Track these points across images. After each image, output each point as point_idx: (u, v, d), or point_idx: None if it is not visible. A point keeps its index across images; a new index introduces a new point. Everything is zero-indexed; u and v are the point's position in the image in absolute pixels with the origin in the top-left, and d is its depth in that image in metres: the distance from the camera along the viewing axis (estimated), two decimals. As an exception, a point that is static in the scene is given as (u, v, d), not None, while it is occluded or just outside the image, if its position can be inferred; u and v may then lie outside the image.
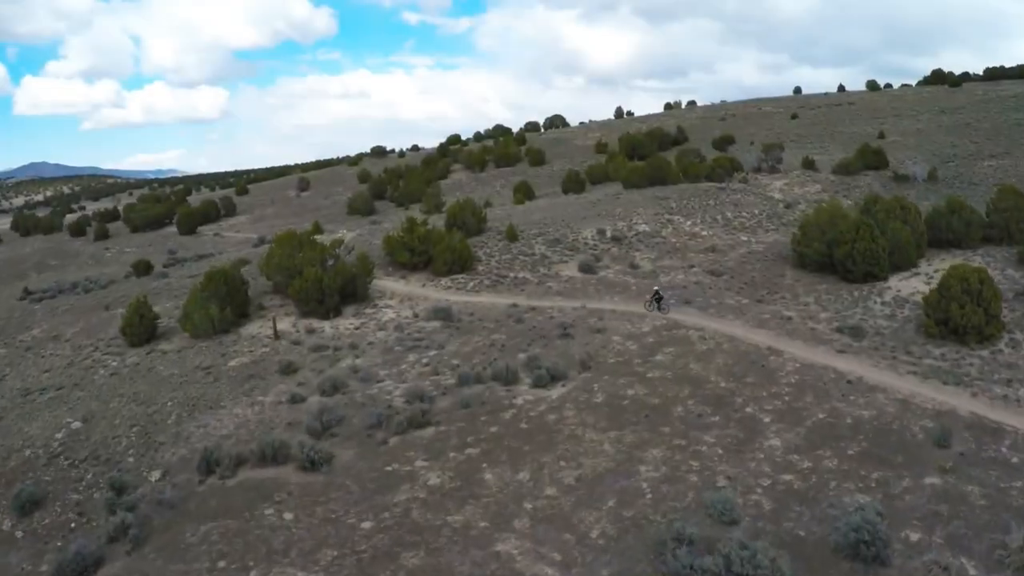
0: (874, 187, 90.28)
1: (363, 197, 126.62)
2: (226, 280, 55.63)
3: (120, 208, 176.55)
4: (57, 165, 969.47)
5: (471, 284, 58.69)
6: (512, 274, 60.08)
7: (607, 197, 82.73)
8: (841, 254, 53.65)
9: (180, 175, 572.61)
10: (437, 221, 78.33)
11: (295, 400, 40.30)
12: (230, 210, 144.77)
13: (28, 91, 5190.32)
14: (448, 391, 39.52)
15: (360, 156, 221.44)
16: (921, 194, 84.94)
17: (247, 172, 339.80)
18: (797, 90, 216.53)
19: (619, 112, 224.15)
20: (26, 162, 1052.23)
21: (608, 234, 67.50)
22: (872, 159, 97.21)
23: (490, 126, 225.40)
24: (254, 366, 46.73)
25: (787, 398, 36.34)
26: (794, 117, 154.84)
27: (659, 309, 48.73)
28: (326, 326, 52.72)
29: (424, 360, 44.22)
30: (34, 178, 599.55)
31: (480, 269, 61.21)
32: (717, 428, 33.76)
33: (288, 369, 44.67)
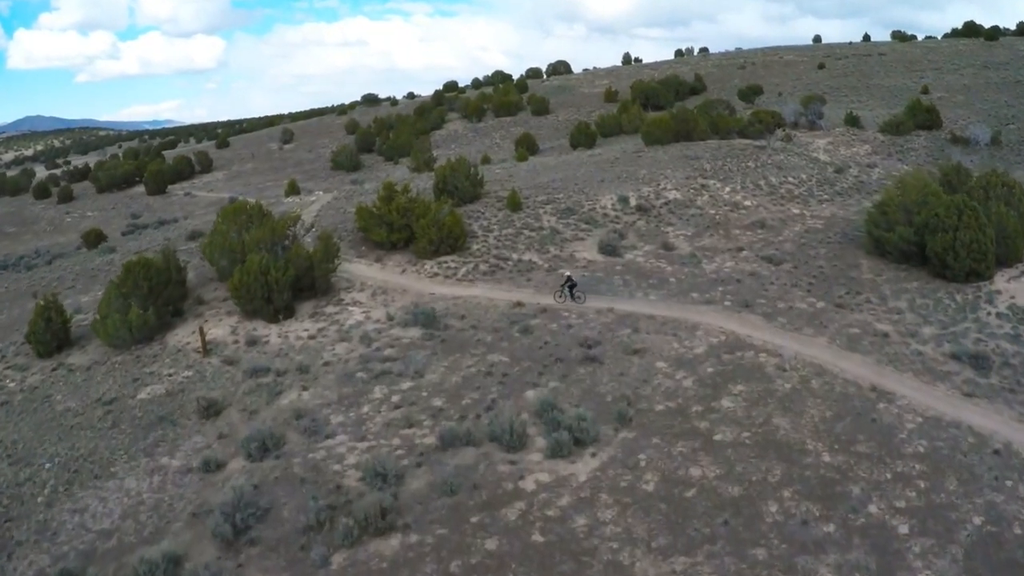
0: (931, 151, 77.52)
1: (347, 151, 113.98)
2: (148, 273, 43.29)
3: (98, 163, 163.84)
4: (53, 118, 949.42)
5: (463, 270, 46.32)
6: (515, 256, 47.64)
7: (626, 155, 69.79)
8: (938, 245, 40.98)
9: (177, 125, 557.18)
10: (426, 182, 65.81)
11: (209, 467, 28.39)
12: (206, 166, 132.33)
13: (21, 44, 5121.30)
14: (425, 457, 27.30)
15: (354, 104, 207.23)
16: (985, 160, 72.28)
17: (241, 122, 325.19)
18: (817, 39, 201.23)
19: (627, 58, 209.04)
20: (21, 116, 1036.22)
21: (632, 202, 54.92)
22: (924, 117, 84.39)
23: (489, 74, 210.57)
24: (169, 400, 34.87)
25: (922, 484, 24.36)
26: (821, 67, 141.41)
27: (572, 299, 40.70)
28: (273, 333, 40.54)
29: (395, 398, 32.04)
30: (26, 132, 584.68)
31: (475, 249, 48.79)
32: (835, 548, 21.67)
33: (210, 410, 32.78)
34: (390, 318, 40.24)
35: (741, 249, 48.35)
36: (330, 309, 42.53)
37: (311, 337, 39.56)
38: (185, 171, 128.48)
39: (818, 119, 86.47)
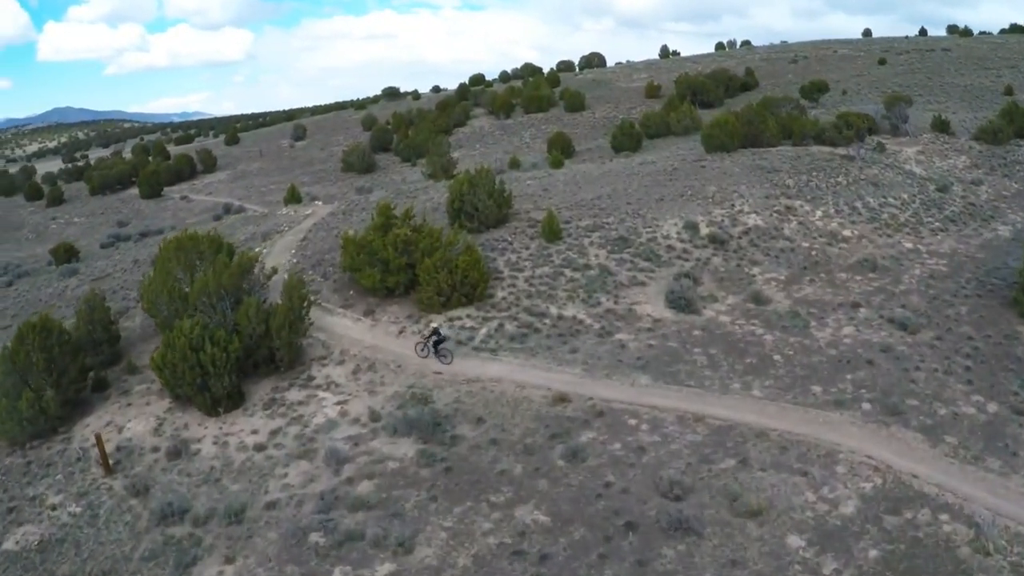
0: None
1: (359, 150, 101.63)
2: (46, 342, 31.27)
3: (97, 161, 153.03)
4: (81, 110, 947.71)
5: (482, 332, 33.84)
6: (554, 309, 35.10)
7: (686, 164, 56.73)
8: None
9: (204, 118, 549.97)
10: (441, 194, 53.43)
11: None
12: (209, 166, 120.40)
13: (51, 37, 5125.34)
14: None
15: (377, 98, 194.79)
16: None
17: (264, 115, 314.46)
18: (867, 32, 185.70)
19: (664, 51, 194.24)
20: (50, 107, 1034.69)
21: (703, 229, 42.16)
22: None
23: (518, 67, 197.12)
24: (37, 562, 22.63)
25: None
26: (882, 63, 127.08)
27: (436, 355, 32.30)
28: (208, 436, 28.43)
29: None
30: (51, 124, 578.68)
31: (500, 298, 36.29)
32: None
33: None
34: (374, 418, 27.82)
35: (857, 305, 35.60)
36: (293, 395, 30.24)
37: (259, 448, 27.27)
38: (185, 171, 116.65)
39: (903, 123, 72.78)
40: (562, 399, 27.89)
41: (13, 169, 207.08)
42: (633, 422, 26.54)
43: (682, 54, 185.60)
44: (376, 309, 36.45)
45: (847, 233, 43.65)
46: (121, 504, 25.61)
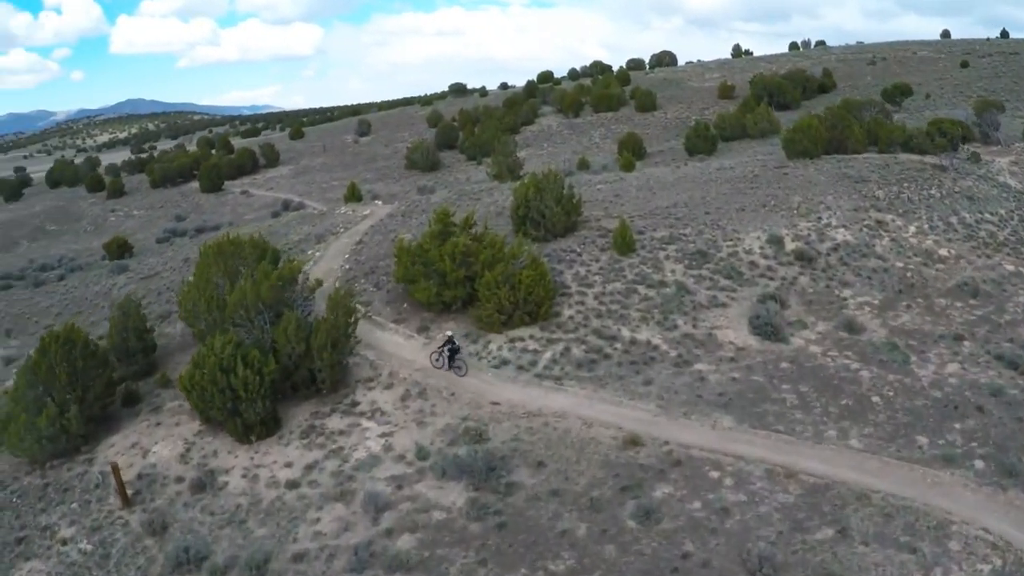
0: None
1: (423, 148, 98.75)
2: (69, 355, 28.70)
3: (161, 154, 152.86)
4: (153, 102, 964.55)
5: (547, 356, 30.44)
6: (626, 332, 31.60)
7: (767, 170, 52.59)
8: None
9: (274, 111, 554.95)
10: (506, 197, 50.22)
11: None
12: (272, 160, 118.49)
13: (123, 30, 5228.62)
14: None
15: (444, 94, 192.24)
16: None
17: (332, 110, 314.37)
18: (945, 33, 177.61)
19: (737, 50, 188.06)
20: (123, 99, 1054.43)
21: (788, 244, 38.26)
22: (1124, 134, 64.33)
23: (587, 65, 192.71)
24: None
25: None
26: (964, 65, 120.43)
27: (451, 367, 30.11)
28: (237, 467, 25.54)
29: None
30: (122, 115, 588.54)
31: (566, 317, 32.86)
32: None
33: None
34: (422, 455, 24.60)
35: (960, 337, 31.59)
36: (334, 423, 27.20)
37: (292, 484, 24.28)
38: (247, 165, 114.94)
39: (995, 131, 67.53)
40: (634, 442, 24.38)
41: (83, 159, 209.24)
42: (715, 475, 22.93)
43: (754, 54, 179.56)
44: (431, 326, 33.24)
45: (943, 252, 39.48)
46: (136, 544, 22.84)
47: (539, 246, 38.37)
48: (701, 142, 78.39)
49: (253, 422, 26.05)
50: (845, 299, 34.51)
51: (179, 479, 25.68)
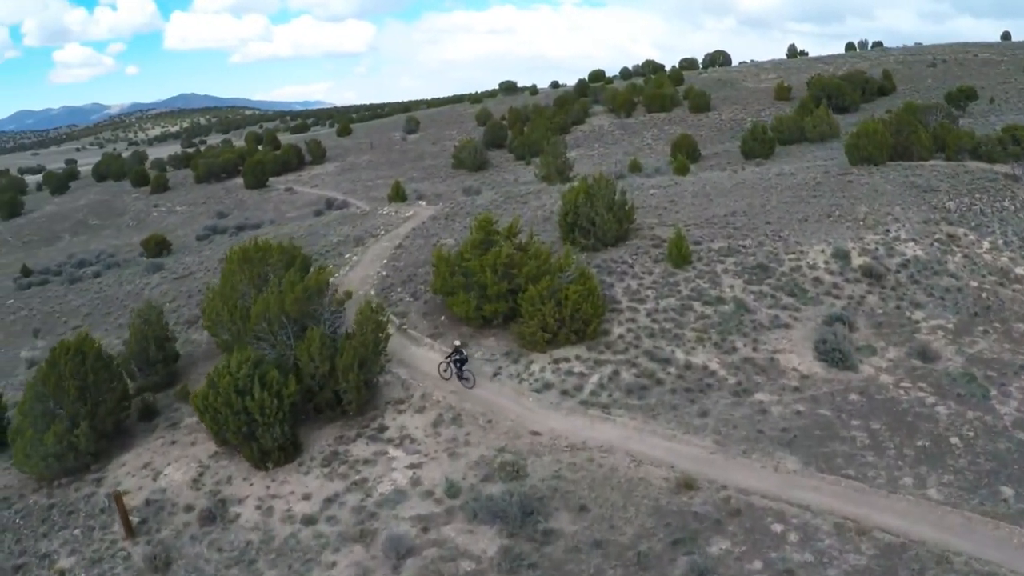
0: None
1: (471, 146, 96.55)
2: (79, 368, 26.72)
3: (207, 149, 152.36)
4: (206, 96, 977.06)
5: (593, 380, 27.85)
6: (680, 354, 28.93)
7: (829, 177, 49.42)
8: None
9: (325, 107, 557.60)
10: (554, 200, 47.78)
11: None
12: (318, 157, 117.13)
13: (177, 26, 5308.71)
14: None
15: (494, 92, 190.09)
16: None
17: (383, 106, 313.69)
18: (1006, 36, 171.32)
19: (792, 51, 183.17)
20: (176, 93, 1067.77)
21: (855, 260, 35.26)
22: None
23: (639, 64, 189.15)
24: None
25: None
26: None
27: (460, 378, 28.45)
28: (251, 497, 23.33)
29: None
30: (174, 109, 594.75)
31: (616, 336, 30.23)
32: None
33: None
34: (452, 492, 22.13)
35: (1052, 369, 28.39)
36: (359, 449, 24.86)
37: (308, 520, 21.97)
38: (292, 162, 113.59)
39: (1055, 137, 63.26)
40: (688, 485, 21.71)
41: (131, 153, 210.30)
42: (778, 528, 20.19)
43: (809, 55, 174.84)
44: (469, 342, 30.77)
45: (1020, 271, 36.23)
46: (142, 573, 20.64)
47: (588, 256, 35.83)
48: (758, 145, 75.29)
49: (270, 448, 23.81)
50: (917, 322, 31.47)
51: (188, 508, 23.52)
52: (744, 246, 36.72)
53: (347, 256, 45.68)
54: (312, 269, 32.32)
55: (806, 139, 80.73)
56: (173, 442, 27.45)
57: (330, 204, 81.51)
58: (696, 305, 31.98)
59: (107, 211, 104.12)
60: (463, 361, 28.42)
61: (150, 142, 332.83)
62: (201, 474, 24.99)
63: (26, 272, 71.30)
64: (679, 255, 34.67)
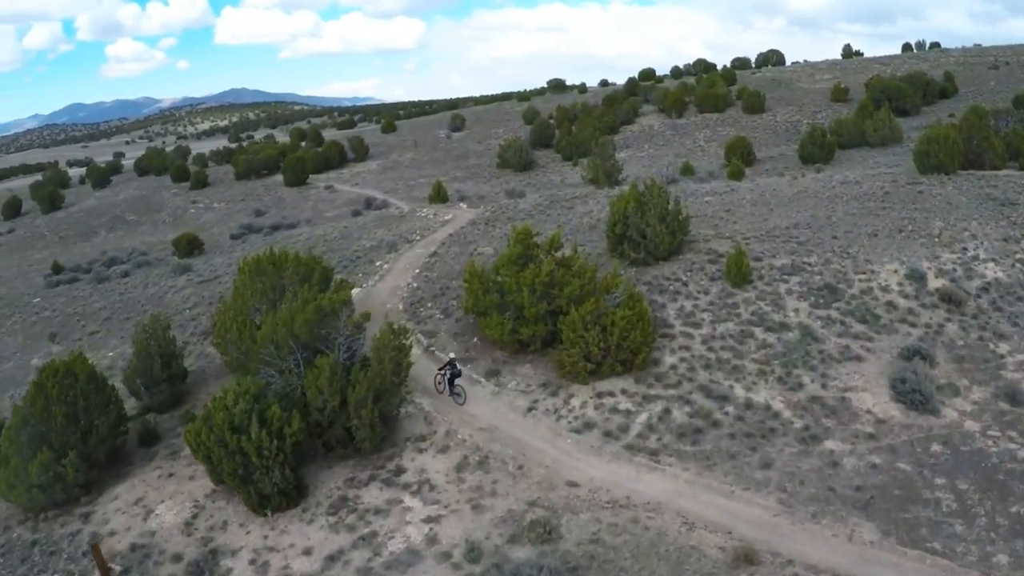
0: None
1: (517, 146, 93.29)
2: (68, 392, 23.99)
3: (250, 144, 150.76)
4: (256, 91, 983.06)
5: (640, 420, 24.60)
6: (738, 390, 25.64)
7: (898, 187, 45.49)
8: None
9: (374, 103, 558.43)
10: (602, 207, 44.66)
11: None
12: (360, 154, 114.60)
13: (228, 21, 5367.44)
14: None
15: (542, 90, 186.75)
16: None
17: (431, 103, 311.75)
18: None
19: (847, 51, 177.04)
20: (226, 88, 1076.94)
21: (930, 281, 31.53)
22: None
23: (690, 63, 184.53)
24: None
25: None
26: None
27: (451, 392, 26.42)
28: (247, 548, 20.49)
29: None
30: (224, 104, 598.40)
31: (667, 366, 26.91)
32: None
33: None
34: (473, 556, 18.97)
35: None
36: (371, 496, 21.80)
37: (306, 583, 18.81)
38: (334, 159, 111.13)
39: None
40: (748, 559, 18.36)
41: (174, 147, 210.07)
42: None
43: (864, 55, 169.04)
44: (503, 369, 27.60)
45: (1117, 296, 32.24)
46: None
47: (637, 271, 32.56)
48: (817, 149, 71.26)
49: (269, 492, 20.78)
50: (1002, 356, 27.71)
51: (177, 557, 20.64)
52: (809, 264, 33.16)
53: (378, 264, 42.78)
54: (333, 283, 29.36)
55: (867, 143, 76.60)
56: (171, 474, 24.69)
57: (369, 204, 78.87)
58: (757, 331, 28.54)
59: (145, 206, 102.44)
60: (456, 375, 26.43)
61: (198, 136, 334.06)
62: (195, 516, 22.12)
63: (57, 269, 69.57)
64: (739, 273, 31.23)
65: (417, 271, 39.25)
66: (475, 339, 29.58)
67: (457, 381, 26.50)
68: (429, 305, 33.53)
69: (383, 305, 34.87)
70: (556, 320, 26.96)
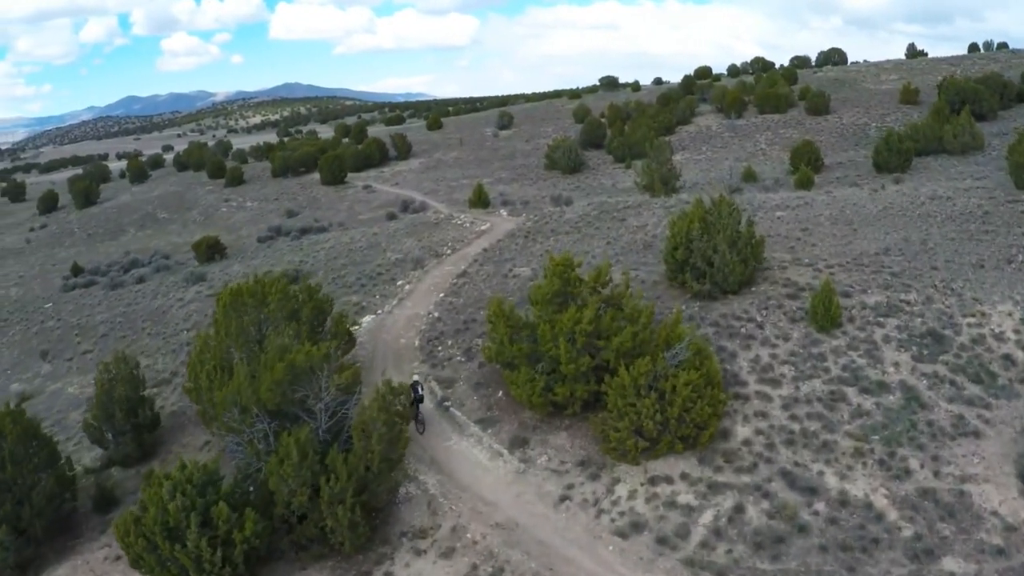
0: None
1: (566, 146, 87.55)
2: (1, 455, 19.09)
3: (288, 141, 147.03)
4: (309, 86, 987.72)
5: (706, 519, 18.96)
6: (831, 477, 20.04)
7: (998, 205, 39.13)
8: None
9: (425, 99, 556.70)
10: (659, 218, 39.27)
11: None
12: (403, 152, 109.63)
13: (282, 16, 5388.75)
14: None
15: (594, 88, 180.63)
16: None
17: (483, 100, 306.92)
18: None
19: (911, 51, 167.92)
20: (280, 83, 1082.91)
21: (1058, 327, 25.48)
22: None
23: (747, 61, 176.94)
24: None
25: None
26: None
27: (415, 418, 22.59)
28: None
29: None
30: (277, 98, 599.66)
31: (739, 440, 21.22)
32: None
33: None
34: None
35: None
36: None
37: None
38: (375, 157, 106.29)
39: None
40: None
41: (235, 140, 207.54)
42: None
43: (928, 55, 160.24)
44: (531, 438, 22.01)
45: None
46: None
47: (701, 306, 26.93)
48: (893, 156, 64.56)
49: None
50: None
51: None
52: (907, 303, 27.21)
53: (399, 283, 37.56)
54: (330, 319, 24.06)
55: (944, 150, 69.88)
56: (118, 557, 19.56)
57: (406, 206, 73.67)
58: (850, 393, 22.74)
59: (177, 204, 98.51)
60: (418, 400, 23.14)
61: (248, 130, 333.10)
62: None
63: (76, 271, 65.69)
64: (827, 316, 25.43)
65: (441, 296, 33.93)
66: (500, 393, 24.07)
67: (421, 407, 23.27)
68: (449, 343, 28.09)
69: (396, 340, 29.53)
70: (601, 378, 21.35)
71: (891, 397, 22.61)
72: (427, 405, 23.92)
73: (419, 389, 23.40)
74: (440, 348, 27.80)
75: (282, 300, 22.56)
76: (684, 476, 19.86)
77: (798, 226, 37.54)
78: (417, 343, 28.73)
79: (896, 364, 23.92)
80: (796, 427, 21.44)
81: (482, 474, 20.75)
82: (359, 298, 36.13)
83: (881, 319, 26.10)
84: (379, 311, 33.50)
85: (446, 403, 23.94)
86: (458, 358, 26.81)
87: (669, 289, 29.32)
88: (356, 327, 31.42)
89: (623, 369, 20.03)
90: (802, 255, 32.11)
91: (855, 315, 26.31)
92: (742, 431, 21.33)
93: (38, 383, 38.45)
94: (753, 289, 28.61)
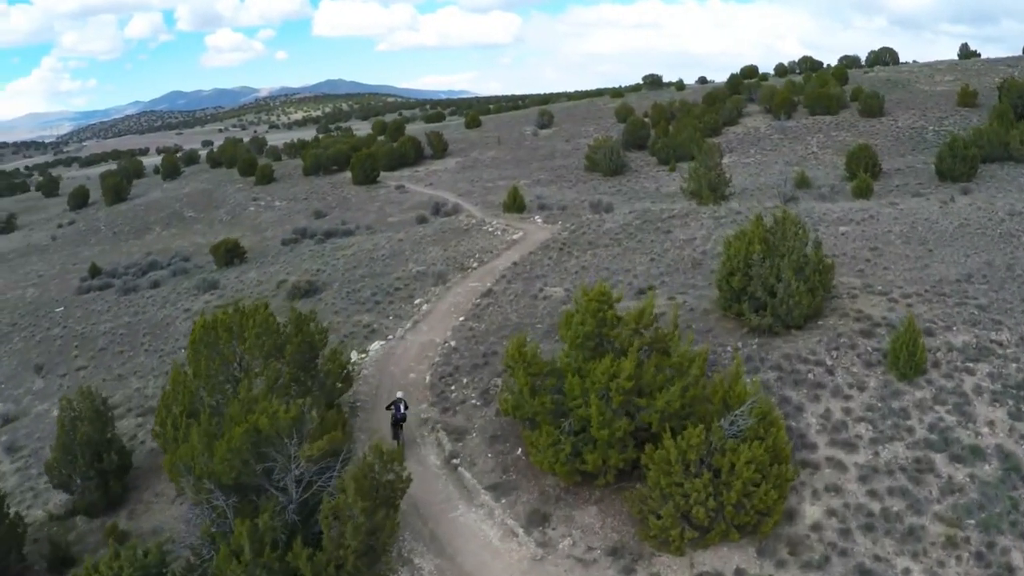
0: None
1: (607, 147, 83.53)
2: None
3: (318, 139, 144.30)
4: (352, 83, 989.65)
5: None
6: (917, 575, 15.58)
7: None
8: None
9: (468, 96, 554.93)
10: (708, 230, 35.40)
11: None
12: (439, 151, 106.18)
13: (326, 13, 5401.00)
14: None
15: (638, 87, 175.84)
16: None
17: (525, 98, 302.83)
18: None
19: (964, 51, 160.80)
20: (323, 79, 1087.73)
21: None
22: None
23: (795, 60, 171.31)
24: None
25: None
26: None
27: (395, 437, 21.24)
28: None
29: None
30: (319, 94, 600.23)
31: (807, 525, 17.16)
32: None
33: None
34: None
35: None
36: None
37: None
38: (410, 156, 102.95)
39: None
40: None
41: (275, 136, 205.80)
42: None
43: (954, 57, 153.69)
44: (553, 513, 18.14)
45: None
46: None
47: (760, 343, 22.96)
48: (958, 163, 59.98)
49: None
50: None
51: None
52: (999, 343, 23.01)
53: (417, 302, 33.92)
54: (322, 355, 20.38)
55: (1011, 157, 65.33)
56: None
57: (438, 209, 70.08)
58: (939, 461, 18.72)
59: (205, 202, 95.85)
60: (400, 420, 21.45)
61: (290, 126, 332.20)
62: None
63: (94, 272, 63.18)
64: (911, 362, 21.28)
65: (461, 319, 30.17)
66: (519, 451, 20.22)
67: (403, 426, 21.49)
68: (464, 381, 24.27)
69: (405, 374, 25.83)
70: (641, 442, 17.45)
71: (987, 467, 18.56)
72: (433, 461, 20.26)
73: (402, 408, 21.49)
74: (453, 388, 24.00)
75: (264, 333, 18.87)
76: (739, 573, 15.91)
77: (866, 244, 33.41)
78: (428, 379, 24.99)
79: (991, 423, 19.83)
80: (876, 507, 17.43)
81: (491, 559, 16.92)
82: (371, 318, 32.53)
83: (970, 364, 21.99)
84: (390, 336, 29.83)
85: (454, 460, 20.15)
86: (473, 401, 22.99)
87: (722, 320, 25.34)
88: (363, 356, 27.80)
89: (668, 438, 16.09)
90: (874, 281, 28.01)
91: (940, 359, 22.21)
92: (811, 511, 17.37)
93: (27, 402, 35.41)
94: (820, 323, 24.50)
